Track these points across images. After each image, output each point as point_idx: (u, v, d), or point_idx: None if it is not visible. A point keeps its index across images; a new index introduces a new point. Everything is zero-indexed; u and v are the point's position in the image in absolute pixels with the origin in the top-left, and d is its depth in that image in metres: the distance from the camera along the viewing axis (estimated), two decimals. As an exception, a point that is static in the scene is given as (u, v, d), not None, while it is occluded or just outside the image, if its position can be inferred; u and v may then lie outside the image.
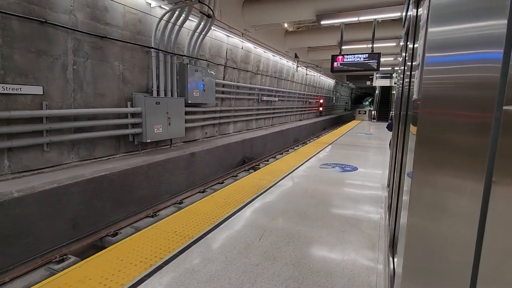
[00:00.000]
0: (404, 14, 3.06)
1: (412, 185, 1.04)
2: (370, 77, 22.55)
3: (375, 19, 8.22)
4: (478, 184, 0.95)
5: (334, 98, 28.98)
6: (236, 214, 3.41)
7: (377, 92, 25.10)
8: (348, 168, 5.95)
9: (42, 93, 4.66)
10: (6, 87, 4.20)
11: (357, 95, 45.88)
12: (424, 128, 0.99)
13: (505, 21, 0.86)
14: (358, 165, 6.21)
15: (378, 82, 20.06)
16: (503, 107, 0.88)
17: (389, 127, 5.01)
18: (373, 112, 22.05)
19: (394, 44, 11.58)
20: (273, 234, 2.93)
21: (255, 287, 2.08)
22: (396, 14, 7.70)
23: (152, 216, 5.31)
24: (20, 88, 4.37)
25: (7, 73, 4.23)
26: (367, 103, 38.45)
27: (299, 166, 6.05)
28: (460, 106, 0.94)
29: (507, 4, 0.85)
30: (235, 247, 2.65)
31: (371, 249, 2.68)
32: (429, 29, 0.94)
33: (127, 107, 6.13)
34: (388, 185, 3.90)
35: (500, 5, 0.86)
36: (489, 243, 0.96)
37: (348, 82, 32.71)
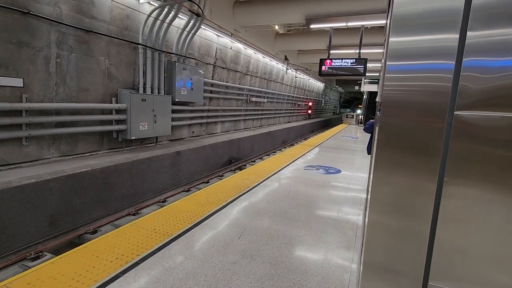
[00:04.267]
0: (385, 22, 3.17)
1: (372, 184, 1.09)
2: (359, 82, 23.01)
3: (362, 25, 8.42)
4: (431, 184, 1.02)
5: (323, 101, 29.36)
6: (217, 213, 3.42)
7: (365, 97, 25.60)
8: (332, 171, 6.05)
9: (22, 86, 4.54)
10: (-16, 78, 4.07)
11: (346, 99, 46.63)
12: (383, 131, 1.05)
13: (457, 35, 0.94)
14: (342, 168, 6.33)
15: (366, 87, 20.51)
16: (455, 112, 0.95)
17: (367, 129, 5.02)
18: (360, 117, 22.49)
19: (381, 50, 11.87)
20: (252, 233, 2.96)
21: (230, 284, 2.10)
22: (383, 22, 7.90)
23: (134, 214, 5.24)
24: (-1, 80, 4.24)
25: (-14, 63, 4.10)
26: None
27: (284, 167, 6.11)
28: (416, 111, 1.00)
29: (459, 20, 0.93)
30: (214, 245, 2.66)
31: (347, 249, 2.75)
32: (390, 39, 1.00)
33: (112, 103, 6.04)
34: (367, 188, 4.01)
35: (453, 21, 0.94)
36: (441, 240, 1.02)
37: (337, 86, 33.21)
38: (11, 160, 4.59)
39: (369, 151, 4.78)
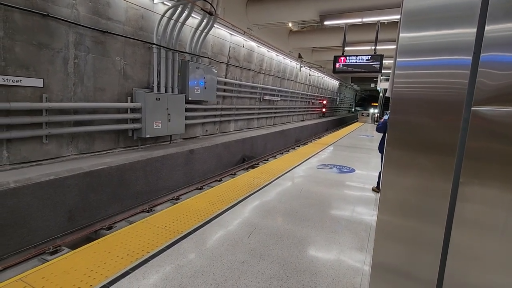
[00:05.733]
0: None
1: (382, 184, 1.04)
2: (375, 79, 22.46)
3: (378, 21, 8.17)
4: (445, 185, 0.95)
5: (338, 99, 28.88)
6: (228, 211, 3.42)
7: (381, 94, 24.96)
8: (346, 170, 5.92)
9: (42, 86, 4.71)
10: (7, 79, 4.25)
11: (361, 97, 45.66)
12: (394, 129, 0.99)
13: (474, 29, 0.87)
14: (356, 167, 6.19)
15: (383, 85, 19.97)
16: (472, 108, 0.88)
17: (380, 129, 4.58)
18: (376, 115, 21.99)
19: (399, 46, 11.49)
20: (262, 232, 2.93)
21: (238, 284, 2.09)
22: (399, 17, 7.64)
23: (148, 211, 5.34)
24: (21, 80, 4.42)
25: (8, 65, 4.28)
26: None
27: (296, 166, 6.04)
28: (429, 108, 0.94)
29: (476, 14, 0.86)
30: (223, 243, 2.66)
31: (359, 250, 2.68)
32: (401, 34, 0.95)
33: (127, 102, 6.17)
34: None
35: (470, 15, 0.87)
36: (456, 245, 0.96)
37: (352, 84, 32.57)
38: (32, 157, 4.77)
39: (380, 150, 4.63)
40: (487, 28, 0.86)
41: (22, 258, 3.65)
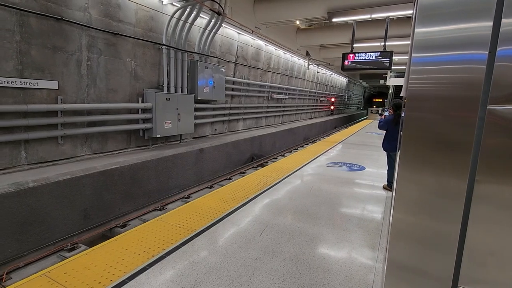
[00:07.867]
0: (412, 12, 3.02)
1: (397, 182, 1.06)
2: (384, 75, 22.16)
3: (387, 17, 8.06)
4: (461, 183, 0.96)
5: (346, 96, 28.61)
6: (239, 210, 3.46)
7: (390, 91, 24.62)
8: (356, 168, 5.90)
9: (57, 88, 4.84)
10: (24, 82, 4.39)
11: (370, 94, 45.07)
12: (409, 126, 1.01)
13: (491, 23, 0.88)
14: (366, 165, 6.16)
15: (392, 81, 19.71)
16: (488, 107, 0.90)
17: (382, 127, 4.54)
18: (385, 112, 21.72)
19: (408, 42, 11.31)
20: (274, 230, 2.97)
21: (252, 280, 2.13)
22: (409, 12, 7.53)
23: (160, 210, 5.44)
24: (37, 83, 4.55)
25: (25, 68, 4.42)
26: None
27: (306, 164, 6.05)
28: (444, 106, 0.95)
29: (493, 7, 0.86)
30: (236, 241, 2.71)
31: (372, 248, 2.68)
32: (416, 30, 0.96)
33: (138, 102, 6.28)
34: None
35: (486, 8, 0.88)
36: (472, 242, 0.97)
37: (361, 81, 32.20)
38: (49, 158, 4.92)
39: (384, 147, 4.60)
40: (503, 21, 0.85)
41: (42, 254, 3.78)
